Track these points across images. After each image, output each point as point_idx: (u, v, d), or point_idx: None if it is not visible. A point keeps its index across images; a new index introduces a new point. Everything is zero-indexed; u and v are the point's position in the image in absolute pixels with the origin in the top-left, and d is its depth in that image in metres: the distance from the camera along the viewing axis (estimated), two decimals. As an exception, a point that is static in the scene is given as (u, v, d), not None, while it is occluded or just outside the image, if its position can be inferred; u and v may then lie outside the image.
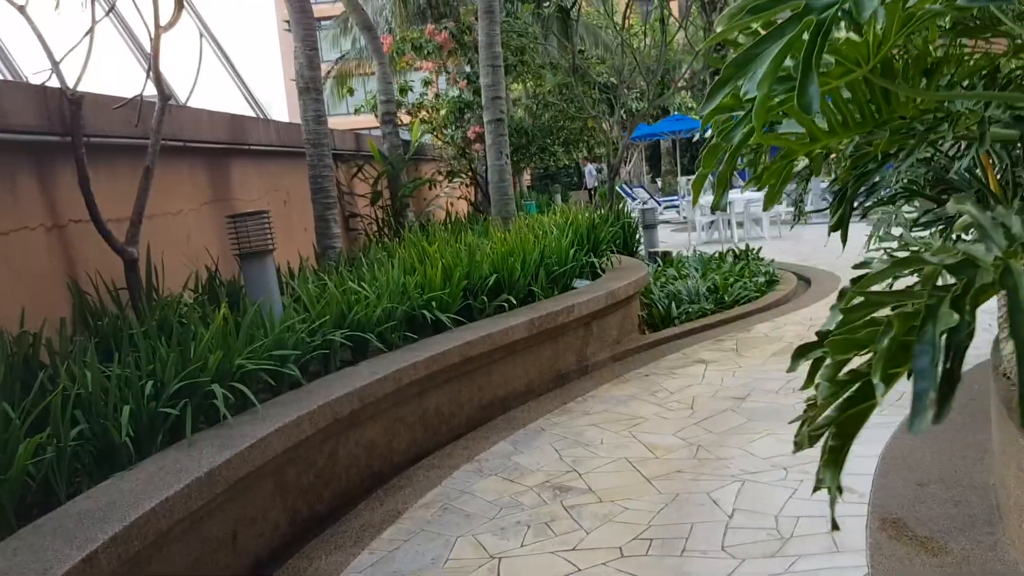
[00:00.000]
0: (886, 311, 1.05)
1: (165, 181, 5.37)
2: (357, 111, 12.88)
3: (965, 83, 1.82)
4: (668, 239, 13.76)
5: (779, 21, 1.19)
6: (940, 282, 0.99)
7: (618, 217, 8.86)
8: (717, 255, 9.42)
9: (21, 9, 4.17)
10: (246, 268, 4.76)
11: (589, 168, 27.10)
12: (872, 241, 3.78)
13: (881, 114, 1.73)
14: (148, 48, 4.79)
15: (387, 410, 4.24)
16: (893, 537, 2.90)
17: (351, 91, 19.49)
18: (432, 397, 4.60)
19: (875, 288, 1.12)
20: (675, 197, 21.64)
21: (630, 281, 6.48)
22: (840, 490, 1.06)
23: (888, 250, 2.88)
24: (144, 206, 4.45)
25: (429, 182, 10.40)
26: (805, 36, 1.12)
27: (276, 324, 4.13)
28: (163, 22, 4.60)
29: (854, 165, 1.56)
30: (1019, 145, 2.02)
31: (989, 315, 5.32)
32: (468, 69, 11.66)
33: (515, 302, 5.59)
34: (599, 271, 6.97)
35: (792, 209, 15.66)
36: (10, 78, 5.62)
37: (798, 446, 1.15)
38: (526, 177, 25.26)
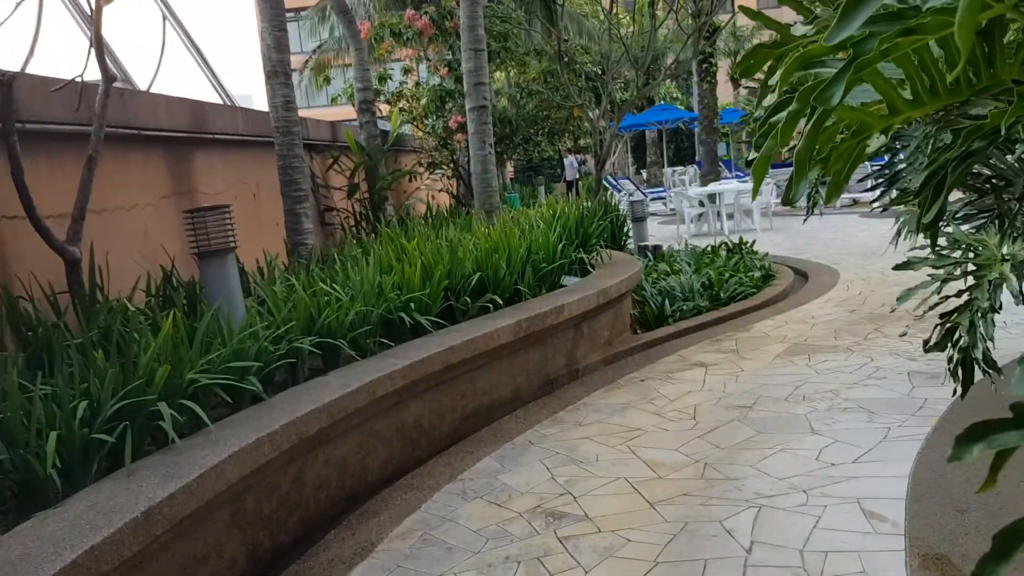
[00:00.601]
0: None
1: (118, 173, 4.91)
2: (334, 100, 12.39)
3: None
4: (656, 232, 13.38)
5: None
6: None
7: (606, 210, 8.45)
8: (709, 248, 9.06)
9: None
10: (205, 268, 4.32)
11: (570, 160, 26.59)
12: (903, 237, 3.43)
13: (980, 78, 1.35)
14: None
15: (360, 425, 3.83)
16: (937, 577, 2.53)
17: (327, 79, 18.92)
18: (411, 408, 4.19)
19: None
20: (661, 189, 21.33)
21: (623, 278, 6.09)
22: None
23: (937, 248, 2.52)
24: (87, 200, 3.99)
25: (409, 174, 9.93)
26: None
27: (236, 331, 3.70)
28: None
29: (957, 143, 1.17)
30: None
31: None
32: (449, 56, 11.19)
33: (500, 302, 5.19)
34: (589, 267, 6.58)
35: (777, 200, 15.33)
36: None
37: None
38: (509, 169, 24.83)
